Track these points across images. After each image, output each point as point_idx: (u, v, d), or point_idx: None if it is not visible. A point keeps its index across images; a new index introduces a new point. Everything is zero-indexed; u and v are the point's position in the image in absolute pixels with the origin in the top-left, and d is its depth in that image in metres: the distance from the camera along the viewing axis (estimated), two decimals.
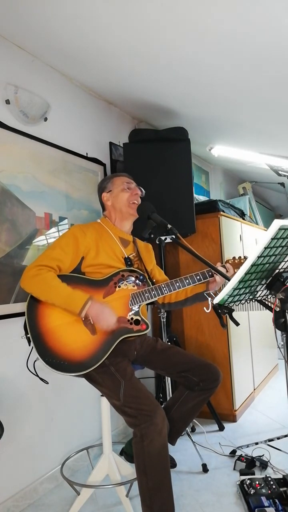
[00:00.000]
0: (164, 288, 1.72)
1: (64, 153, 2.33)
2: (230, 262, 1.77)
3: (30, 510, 1.88)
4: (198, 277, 1.72)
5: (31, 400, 2.00)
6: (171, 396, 2.47)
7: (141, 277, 1.76)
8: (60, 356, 1.56)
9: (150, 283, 1.80)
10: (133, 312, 1.70)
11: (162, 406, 1.70)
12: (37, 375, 1.64)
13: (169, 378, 2.45)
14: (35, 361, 1.62)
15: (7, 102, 1.98)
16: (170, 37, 1.95)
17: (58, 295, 1.57)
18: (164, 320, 2.49)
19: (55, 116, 2.30)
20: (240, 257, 1.79)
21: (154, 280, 1.95)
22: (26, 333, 1.60)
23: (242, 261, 1.77)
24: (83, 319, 1.60)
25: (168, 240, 2.43)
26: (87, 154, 2.53)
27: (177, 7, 1.72)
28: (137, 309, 1.71)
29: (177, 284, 1.72)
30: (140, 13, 1.77)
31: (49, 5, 1.75)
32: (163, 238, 2.46)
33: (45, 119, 2.20)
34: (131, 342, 1.74)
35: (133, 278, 1.74)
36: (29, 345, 1.60)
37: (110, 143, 2.78)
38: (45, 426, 2.07)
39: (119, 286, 1.71)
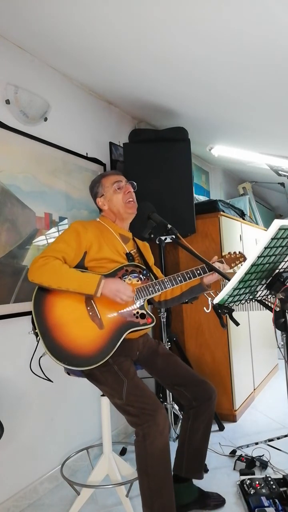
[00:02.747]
0: (167, 282, 1.73)
1: (64, 153, 2.33)
2: (226, 257, 1.80)
3: (30, 510, 1.88)
4: (198, 272, 1.75)
5: (31, 400, 2.00)
6: (171, 398, 2.47)
7: (144, 272, 1.77)
8: (68, 350, 1.55)
9: (153, 277, 1.81)
10: (138, 306, 1.71)
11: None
12: (43, 373, 1.64)
13: None
14: (41, 357, 1.62)
15: (7, 102, 1.98)
16: (171, 37, 1.94)
17: (70, 280, 1.57)
18: (164, 320, 2.49)
19: (55, 116, 2.30)
20: (235, 252, 1.82)
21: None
22: (34, 328, 1.59)
23: (237, 256, 1.81)
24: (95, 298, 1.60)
25: (168, 240, 2.43)
26: (87, 154, 2.53)
27: (180, 7, 1.72)
28: (142, 303, 1.72)
29: (179, 278, 1.74)
30: (143, 12, 1.77)
31: (49, 5, 1.75)
32: (163, 238, 2.46)
33: (45, 119, 2.20)
34: (134, 341, 1.75)
35: (137, 273, 1.75)
36: (37, 339, 1.59)
37: (110, 143, 2.78)
38: (45, 426, 2.07)
39: (123, 281, 1.71)
